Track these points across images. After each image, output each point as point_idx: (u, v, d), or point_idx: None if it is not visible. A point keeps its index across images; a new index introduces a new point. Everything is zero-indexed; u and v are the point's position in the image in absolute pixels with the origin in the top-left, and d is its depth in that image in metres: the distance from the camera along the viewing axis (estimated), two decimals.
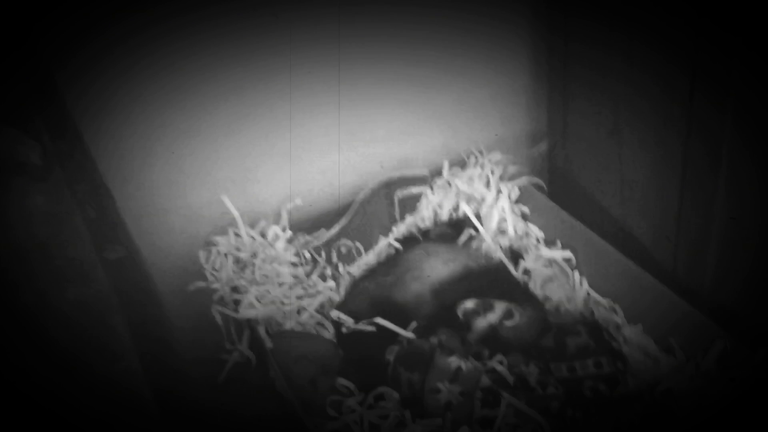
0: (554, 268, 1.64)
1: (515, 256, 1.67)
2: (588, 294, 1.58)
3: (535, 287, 1.62)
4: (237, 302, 1.47)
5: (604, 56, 1.49)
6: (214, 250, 1.56)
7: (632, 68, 1.43)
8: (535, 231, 1.70)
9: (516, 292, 1.54)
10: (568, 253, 1.62)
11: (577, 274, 1.60)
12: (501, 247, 1.68)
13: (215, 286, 1.50)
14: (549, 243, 1.67)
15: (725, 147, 1.25)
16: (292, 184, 1.68)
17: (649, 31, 1.35)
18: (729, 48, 1.20)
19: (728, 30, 1.19)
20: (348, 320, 1.46)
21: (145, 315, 0.84)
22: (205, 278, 1.52)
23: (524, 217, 1.73)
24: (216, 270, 1.53)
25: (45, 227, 0.81)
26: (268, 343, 1.40)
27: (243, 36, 1.49)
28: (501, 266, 1.62)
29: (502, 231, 1.71)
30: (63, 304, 0.74)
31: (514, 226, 1.70)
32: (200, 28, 1.44)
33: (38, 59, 1.25)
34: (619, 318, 1.52)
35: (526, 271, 1.65)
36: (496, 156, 1.77)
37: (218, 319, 1.45)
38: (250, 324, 1.44)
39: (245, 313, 1.44)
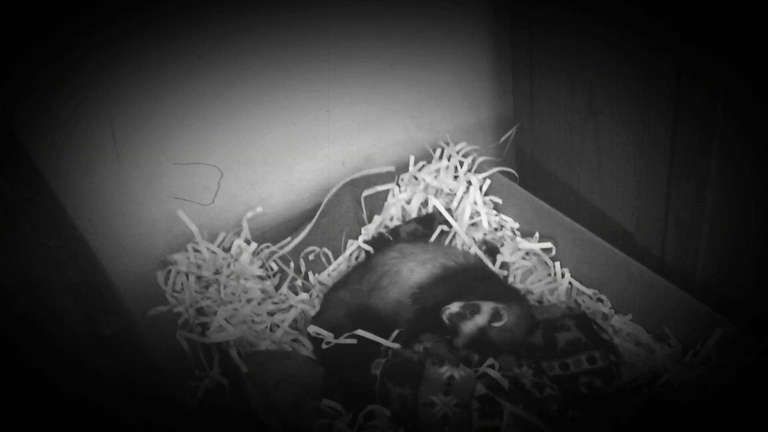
0: (533, 259, 1.58)
1: (492, 250, 1.60)
2: (570, 285, 1.52)
3: (515, 281, 1.56)
4: (203, 325, 1.35)
5: (575, 44, 1.42)
6: (173, 269, 1.43)
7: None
8: (510, 222, 1.63)
9: (499, 288, 1.46)
10: (547, 244, 1.55)
11: (558, 264, 1.54)
12: (475, 241, 1.60)
13: (178, 309, 1.38)
14: (526, 234, 1.60)
15: (717, 128, 1.18)
16: (250, 193, 1.56)
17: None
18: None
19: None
20: (327, 335, 1.36)
21: (159, 410, 0.68)
22: (165, 302, 1.39)
23: (497, 208, 1.65)
24: (177, 292, 1.41)
25: (19, 299, 0.65)
26: (244, 368, 1.29)
27: (191, 47, 1.40)
28: (479, 262, 1.54)
29: (474, 224, 1.63)
30: (56, 405, 0.56)
31: (487, 218, 1.62)
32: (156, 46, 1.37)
33: None
34: (605, 308, 1.47)
35: (504, 265, 1.57)
36: (463, 146, 1.69)
37: (185, 345, 1.33)
38: (221, 348, 1.33)
39: (215, 336, 1.32)
